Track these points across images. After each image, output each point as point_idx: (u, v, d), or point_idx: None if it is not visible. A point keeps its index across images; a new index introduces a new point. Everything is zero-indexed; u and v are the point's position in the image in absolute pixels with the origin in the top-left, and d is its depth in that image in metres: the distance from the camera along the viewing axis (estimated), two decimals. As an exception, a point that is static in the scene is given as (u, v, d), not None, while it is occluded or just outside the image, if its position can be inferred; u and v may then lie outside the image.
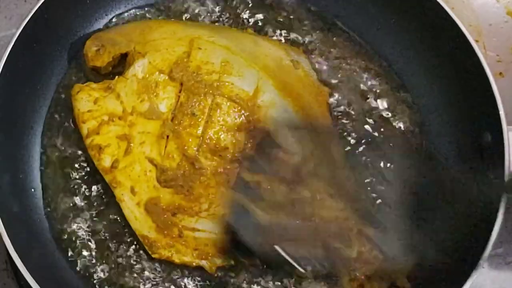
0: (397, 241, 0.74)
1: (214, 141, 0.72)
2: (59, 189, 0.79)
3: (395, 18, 0.85)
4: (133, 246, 0.76)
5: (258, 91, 0.74)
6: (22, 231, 0.73)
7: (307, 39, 0.87)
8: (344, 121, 0.82)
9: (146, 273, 0.75)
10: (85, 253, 0.77)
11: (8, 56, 0.75)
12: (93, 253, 0.76)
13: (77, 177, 0.80)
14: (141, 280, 0.75)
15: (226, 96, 0.73)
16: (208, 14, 0.89)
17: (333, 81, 0.84)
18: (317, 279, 0.75)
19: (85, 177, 0.79)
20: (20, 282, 0.81)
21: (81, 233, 0.77)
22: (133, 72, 0.77)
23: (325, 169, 0.74)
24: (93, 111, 0.76)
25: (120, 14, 0.89)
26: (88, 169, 0.79)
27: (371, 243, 0.72)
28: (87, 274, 0.76)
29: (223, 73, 0.75)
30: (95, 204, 0.78)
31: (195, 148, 0.71)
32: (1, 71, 0.74)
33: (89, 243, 0.77)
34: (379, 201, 0.78)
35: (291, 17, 0.88)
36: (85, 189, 0.79)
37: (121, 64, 0.82)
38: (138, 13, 0.90)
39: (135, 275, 0.75)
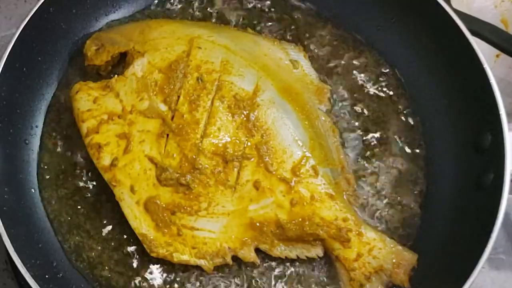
0: (397, 241, 0.74)
1: (214, 140, 0.72)
2: (59, 189, 0.80)
3: (396, 18, 0.85)
4: (133, 245, 0.76)
5: (258, 90, 0.74)
6: (22, 231, 0.73)
7: (306, 38, 0.87)
8: (344, 119, 0.82)
9: (146, 272, 0.75)
10: (85, 252, 0.77)
11: (8, 56, 0.75)
12: (94, 253, 0.76)
13: (78, 177, 0.80)
14: (142, 279, 0.75)
15: (225, 95, 0.73)
16: (209, 14, 0.90)
17: (333, 80, 0.84)
18: (317, 279, 0.75)
19: (86, 177, 0.80)
20: (20, 282, 0.81)
21: (81, 232, 0.77)
22: (132, 71, 0.77)
23: (325, 167, 0.74)
24: (92, 110, 0.76)
25: (120, 14, 0.89)
26: (88, 169, 0.79)
27: (370, 243, 0.72)
28: (88, 274, 0.76)
29: (223, 72, 0.75)
30: (95, 203, 0.78)
31: (195, 147, 0.71)
32: (1, 71, 0.74)
33: (90, 242, 0.77)
34: (379, 200, 0.78)
35: (291, 16, 0.88)
36: (85, 188, 0.79)
37: (121, 63, 0.83)
38: (138, 14, 0.90)
39: (136, 274, 0.75)
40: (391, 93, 0.84)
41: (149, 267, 0.75)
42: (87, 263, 0.76)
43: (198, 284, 0.75)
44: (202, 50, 0.76)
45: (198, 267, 0.73)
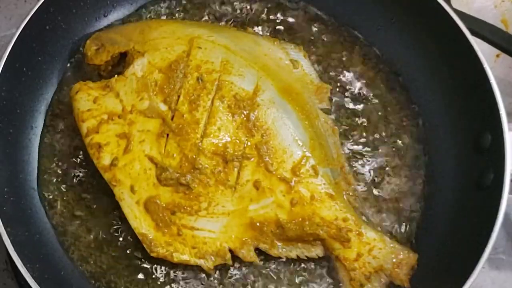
0: (397, 241, 0.74)
1: (214, 140, 0.72)
2: (59, 189, 0.80)
3: (396, 18, 0.85)
4: (133, 245, 0.76)
5: (258, 90, 0.74)
6: (22, 231, 0.73)
7: (306, 38, 0.87)
8: (344, 119, 0.82)
9: (146, 271, 0.75)
10: (85, 252, 0.77)
11: (8, 56, 0.75)
12: (94, 253, 0.76)
13: (78, 177, 0.80)
14: (142, 279, 0.75)
15: (226, 95, 0.73)
16: (211, 14, 0.90)
17: (333, 80, 0.84)
18: (317, 279, 0.75)
19: (85, 177, 0.80)
20: (20, 282, 0.81)
21: (81, 233, 0.77)
22: (132, 71, 0.77)
23: (325, 167, 0.74)
24: (92, 110, 0.76)
25: (120, 14, 0.89)
26: (88, 169, 0.79)
27: (370, 243, 0.72)
28: (88, 274, 0.76)
29: (223, 72, 0.75)
30: (95, 204, 0.78)
31: (195, 147, 0.71)
32: (1, 71, 0.74)
33: (90, 243, 0.77)
34: (379, 200, 0.78)
35: (291, 17, 0.88)
36: (85, 189, 0.79)
37: (121, 63, 0.82)
38: (138, 13, 0.90)
39: (136, 273, 0.75)
40: (390, 93, 0.84)
41: (149, 267, 0.75)
42: (87, 263, 0.76)
43: (199, 284, 0.75)
44: (202, 50, 0.76)
45: (197, 267, 0.73)
